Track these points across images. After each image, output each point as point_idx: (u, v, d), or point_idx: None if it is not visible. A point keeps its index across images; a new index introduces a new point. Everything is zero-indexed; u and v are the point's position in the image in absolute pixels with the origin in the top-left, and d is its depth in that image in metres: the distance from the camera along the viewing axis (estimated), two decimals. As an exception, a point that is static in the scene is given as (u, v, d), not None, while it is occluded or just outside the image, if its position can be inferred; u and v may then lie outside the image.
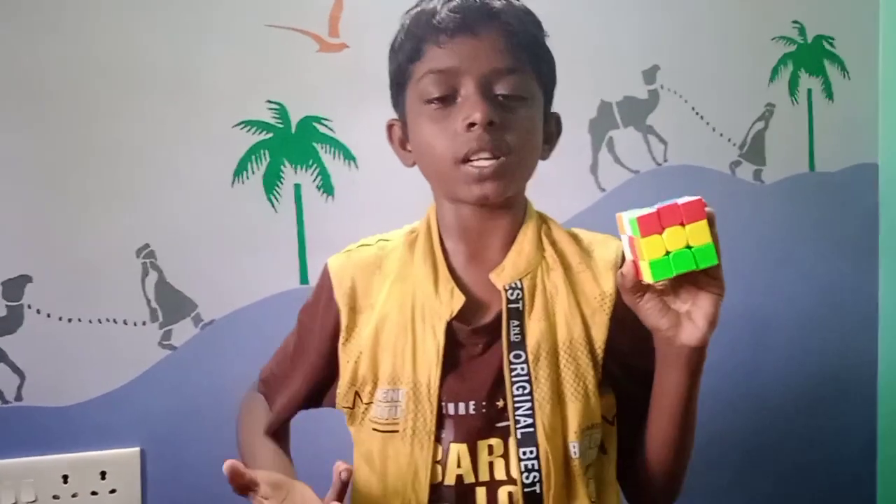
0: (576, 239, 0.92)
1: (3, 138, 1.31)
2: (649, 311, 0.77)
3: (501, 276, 0.87)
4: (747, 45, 1.64)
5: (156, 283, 1.36)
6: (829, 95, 1.69)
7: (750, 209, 1.65)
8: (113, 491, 1.35)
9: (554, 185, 1.53)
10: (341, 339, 0.89)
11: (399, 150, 0.92)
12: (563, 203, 1.53)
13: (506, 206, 0.88)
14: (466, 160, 0.82)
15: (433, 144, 0.83)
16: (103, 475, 1.34)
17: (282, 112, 1.40)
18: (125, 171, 1.35)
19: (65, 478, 1.33)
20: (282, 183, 1.41)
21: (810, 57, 1.68)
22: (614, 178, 1.57)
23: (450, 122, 0.82)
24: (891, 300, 1.70)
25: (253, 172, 1.40)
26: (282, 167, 1.41)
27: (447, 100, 0.83)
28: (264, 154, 1.40)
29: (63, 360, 1.33)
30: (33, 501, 1.32)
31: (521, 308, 0.85)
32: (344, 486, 0.78)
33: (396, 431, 0.86)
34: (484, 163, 0.81)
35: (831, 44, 1.69)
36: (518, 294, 0.85)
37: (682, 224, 0.73)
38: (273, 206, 1.41)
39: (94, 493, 1.34)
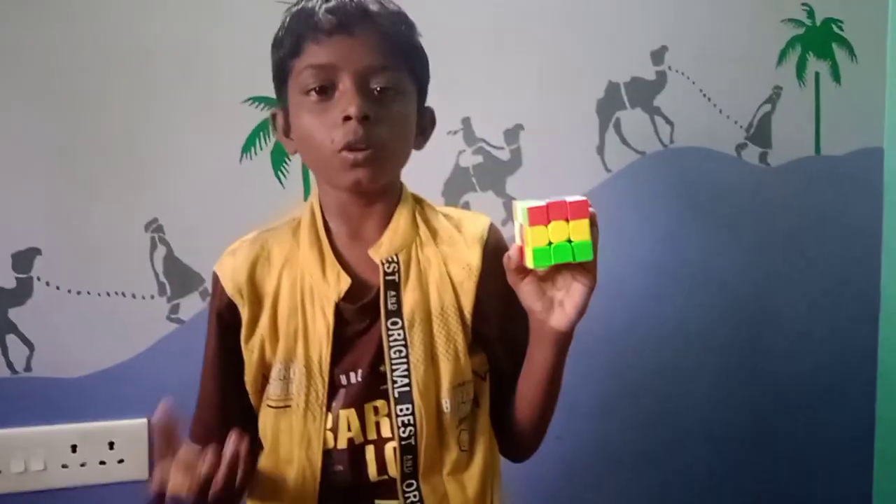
0: (447, 217, 1.01)
1: (14, 115, 1.32)
2: (527, 294, 0.86)
3: (379, 252, 0.95)
4: (755, 28, 1.63)
5: (164, 257, 1.38)
6: (837, 79, 1.69)
7: (755, 192, 1.65)
8: (121, 461, 1.37)
9: (560, 165, 1.54)
10: (243, 336, 0.95)
11: (283, 138, 0.99)
12: (569, 183, 1.54)
13: (381, 192, 0.96)
14: (344, 149, 0.88)
15: (313, 134, 0.90)
16: (111, 445, 1.36)
17: (290, 88, 1.41)
18: (134, 146, 1.36)
19: (73, 447, 1.35)
20: (290, 159, 1.42)
21: (819, 40, 1.67)
22: (621, 158, 1.57)
23: (328, 114, 0.89)
24: (893, 283, 1.71)
25: (261, 148, 1.41)
26: (289, 143, 1.42)
27: (325, 93, 0.89)
28: (272, 130, 1.41)
29: (72, 332, 1.35)
30: (43, 470, 1.34)
31: (397, 280, 0.94)
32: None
33: (289, 406, 0.93)
34: (358, 153, 0.88)
35: (840, 27, 1.68)
36: (394, 267, 0.94)
37: (567, 220, 0.81)
38: (280, 182, 1.42)
39: (102, 463, 1.36)
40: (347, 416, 0.92)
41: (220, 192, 1.39)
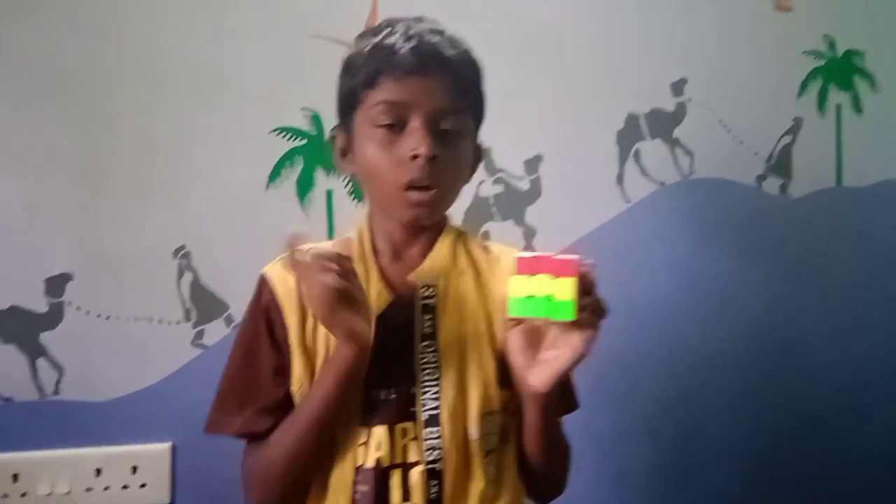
0: (486, 250, 1.04)
1: (48, 142, 1.36)
2: (512, 344, 0.88)
3: (419, 275, 0.97)
4: (776, 59, 1.65)
5: (191, 283, 1.40)
6: (858, 110, 1.70)
7: (776, 223, 1.65)
8: (143, 485, 1.38)
9: (580, 195, 1.56)
10: (294, 337, 0.95)
11: (339, 159, 1.01)
12: (589, 213, 1.56)
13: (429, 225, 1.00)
14: (408, 187, 0.92)
15: (379, 167, 0.93)
16: (135, 469, 1.38)
17: (316, 120, 1.44)
18: (165, 174, 1.40)
19: (98, 471, 1.37)
20: (314, 188, 1.45)
21: (840, 71, 1.68)
22: (640, 189, 1.59)
23: (396, 148, 0.92)
24: (917, 316, 1.70)
25: (287, 178, 1.44)
26: (314, 173, 1.45)
27: (395, 128, 0.92)
28: (298, 160, 1.44)
29: (100, 356, 1.38)
30: (67, 493, 1.36)
31: (433, 304, 0.96)
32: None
33: None
34: (423, 192, 0.92)
35: (861, 59, 1.69)
36: (432, 291, 0.96)
37: (554, 275, 0.81)
38: (305, 210, 1.44)
39: (125, 487, 1.38)
40: (379, 433, 0.92)
41: (246, 221, 1.42)
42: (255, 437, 0.97)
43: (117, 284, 1.38)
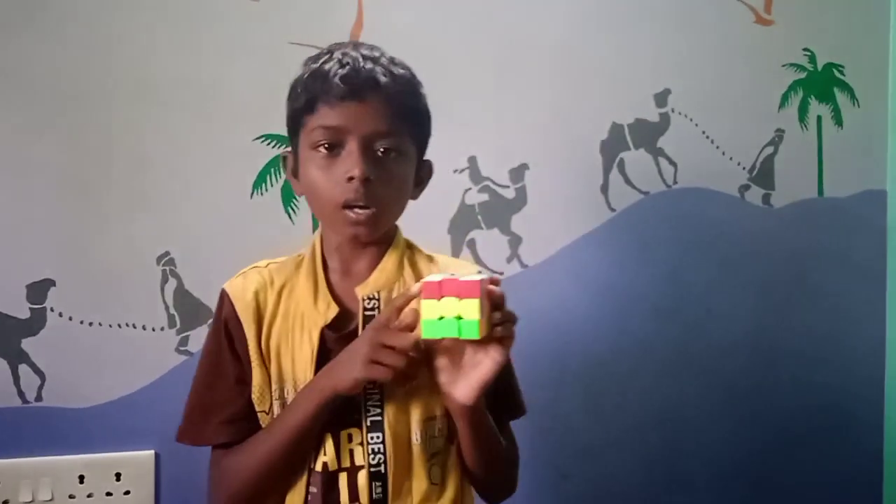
0: (433, 261, 1.08)
1: (31, 148, 1.36)
2: (436, 363, 0.93)
3: (364, 289, 1.01)
4: (758, 72, 1.67)
5: (174, 290, 1.40)
6: (839, 122, 1.72)
7: (758, 232, 1.67)
8: (127, 492, 1.38)
9: (565, 203, 1.57)
10: (251, 349, 1.00)
11: (291, 179, 1.06)
12: (573, 222, 1.57)
13: (375, 239, 1.03)
14: (346, 206, 0.96)
15: (319, 188, 0.98)
16: (118, 476, 1.38)
17: (301, 127, 1.44)
18: (148, 181, 1.40)
19: (81, 478, 1.36)
20: (299, 196, 1.45)
21: (820, 84, 1.70)
22: (624, 198, 1.60)
23: (334, 170, 0.96)
24: (897, 325, 1.72)
25: (272, 185, 1.44)
26: (300, 180, 1.45)
27: (333, 150, 0.97)
28: (283, 167, 1.44)
29: (83, 362, 1.37)
30: (50, 500, 1.35)
31: (375, 314, 0.99)
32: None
33: None
34: (360, 211, 0.96)
35: (841, 72, 1.72)
36: (375, 304, 1.00)
37: (459, 297, 0.85)
38: (290, 218, 1.45)
39: (108, 494, 1.37)
40: (324, 439, 0.97)
41: (230, 227, 1.42)
42: (223, 446, 1.02)
43: (100, 290, 1.38)
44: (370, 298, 1.00)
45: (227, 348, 1.02)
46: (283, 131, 1.41)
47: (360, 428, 0.97)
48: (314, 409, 0.94)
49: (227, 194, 1.43)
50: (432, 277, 0.88)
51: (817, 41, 1.70)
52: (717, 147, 1.65)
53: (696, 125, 1.64)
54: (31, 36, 1.36)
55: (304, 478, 0.97)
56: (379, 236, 1.02)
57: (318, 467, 0.97)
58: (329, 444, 0.97)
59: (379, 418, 0.97)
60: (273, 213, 1.44)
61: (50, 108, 1.37)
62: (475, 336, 0.85)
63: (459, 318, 0.85)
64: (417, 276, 1.03)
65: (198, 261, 1.41)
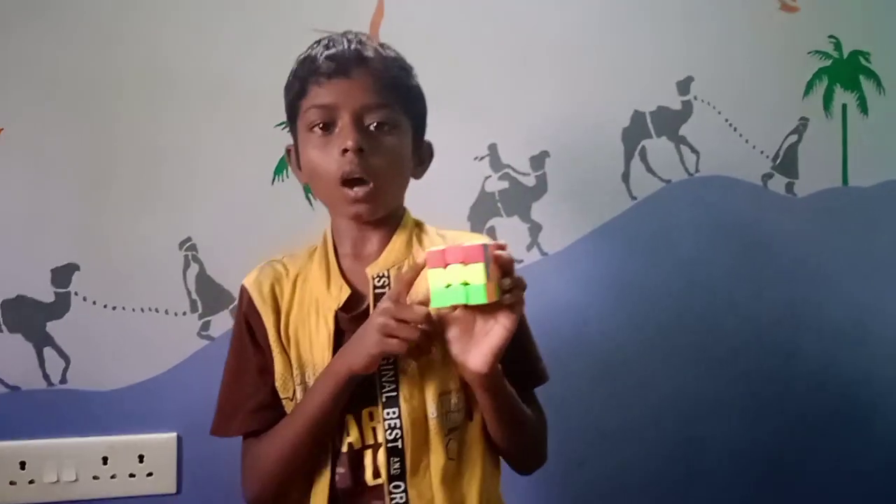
0: (443, 237, 1.08)
1: (56, 135, 1.38)
2: (449, 330, 0.94)
3: (374, 269, 1.03)
4: (782, 59, 1.65)
5: (196, 275, 1.42)
6: (864, 110, 1.70)
7: (781, 222, 1.65)
8: (150, 474, 1.40)
9: (585, 191, 1.56)
10: (271, 339, 1.03)
11: (296, 171, 1.10)
12: (594, 210, 1.56)
13: (382, 218, 1.05)
14: (345, 183, 0.98)
15: (318, 167, 1.01)
16: (141, 458, 1.39)
17: (322, 114, 1.45)
18: (171, 167, 1.41)
19: (104, 459, 1.38)
20: (304, 184, 1.45)
21: (846, 72, 1.68)
22: (646, 186, 1.59)
23: (330, 148, 0.99)
24: (921, 317, 1.70)
25: (292, 171, 1.44)
26: (320, 167, 1.45)
27: (328, 129, 1.00)
28: (287, 162, 1.44)
29: (106, 346, 1.39)
30: (74, 481, 1.37)
31: (385, 292, 0.99)
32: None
33: None
34: (358, 189, 0.98)
35: (867, 59, 1.69)
36: (385, 282, 1.02)
37: (464, 263, 0.85)
38: (310, 203, 1.45)
39: (131, 476, 1.39)
40: (348, 419, 0.99)
41: (251, 213, 1.43)
42: (252, 434, 1.05)
43: (124, 275, 1.39)
44: (380, 276, 1.02)
45: (249, 341, 1.04)
46: (305, 118, 1.44)
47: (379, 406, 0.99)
48: (332, 392, 0.95)
49: (249, 181, 1.43)
50: (437, 247, 0.89)
51: (843, 28, 1.68)
52: (741, 135, 1.63)
53: (719, 113, 1.62)
54: (55, 28, 1.37)
55: (331, 459, 0.99)
56: (385, 217, 1.05)
57: (344, 448, 0.99)
58: (352, 424, 0.99)
59: (394, 394, 0.98)
60: (293, 200, 1.45)
61: (72, 95, 1.38)
62: (483, 300, 0.85)
63: (466, 284, 0.85)
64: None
65: (219, 246, 1.42)
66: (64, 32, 1.38)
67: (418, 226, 1.10)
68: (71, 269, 1.38)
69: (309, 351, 1.01)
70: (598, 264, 1.56)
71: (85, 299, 1.38)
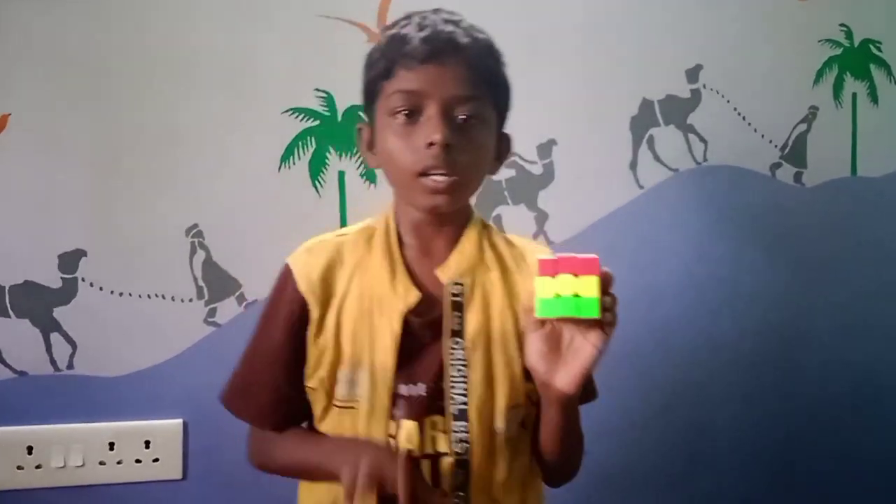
0: (510, 244, 1.05)
1: (64, 121, 1.37)
2: (532, 350, 0.88)
3: (446, 272, 0.98)
4: (792, 47, 1.64)
5: (203, 261, 1.41)
6: (875, 100, 1.69)
7: (789, 211, 1.65)
8: (156, 460, 1.40)
9: (593, 180, 1.56)
10: (313, 331, 0.98)
11: (366, 153, 1.03)
12: (601, 199, 1.56)
13: (453, 214, 1.00)
14: (424, 174, 0.92)
15: (397, 156, 0.94)
16: (147, 444, 1.40)
17: (329, 100, 1.45)
18: (178, 154, 1.41)
19: (111, 445, 1.39)
20: (326, 169, 1.45)
21: (856, 61, 1.67)
22: (654, 175, 1.58)
23: (413, 138, 0.93)
24: (929, 308, 1.69)
25: (299, 158, 1.44)
26: (327, 154, 1.45)
27: (412, 117, 0.93)
28: (311, 141, 1.44)
29: (113, 332, 1.39)
30: (81, 466, 1.38)
31: (461, 301, 0.97)
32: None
33: (354, 408, 0.96)
34: (438, 178, 0.92)
35: (878, 48, 1.68)
36: (460, 289, 0.97)
37: (576, 274, 0.83)
38: (317, 191, 1.45)
39: (137, 461, 1.40)
40: (409, 426, 0.95)
41: (258, 200, 1.43)
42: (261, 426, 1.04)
43: (130, 261, 1.39)
44: (455, 283, 0.97)
45: (284, 329, 0.99)
46: (311, 105, 1.44)
47: (444, 416, 0.95)
48: (322, 472, 0.95)
49: (256, 167, 1.43)
50: (545, 255, 0.86)
51: (854, 16, 1.67)
52: (749, 124, 1.62)
53: (728, 101, 1.61)
54: (62, 10, 1.37)
55: None
56: (454, 212, 0.99)
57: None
58: (415, 432, 0.95)
59: (465, 407, 0.95)
60: (300, 187, 1.44)
61: (81, 82, 1.38)
62: (595, 314, 0.82)
63: (577, 296, 0.83)
64: (498, 258, 1.01)
65: (226, 233, 1.42)
66: (72, 16, 1.37)
67: (485, 226, 1.05)
68: (78, 254, 1.38)
69: (367, 351, 0.96)
70: (606, 253, 1.54)
71: (92, 285, 1.39)
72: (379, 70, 0.96)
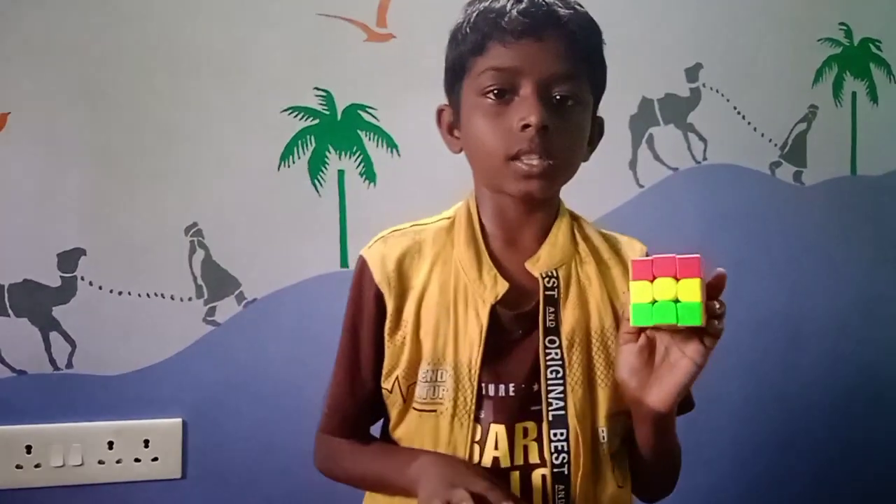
0: (605, 237, 0.97)
1: (62, 118, 1.37)
2: (625, 360, 0.81)
3: (537, 265, 0.90)
4: (792, 46, 1.64)
5: (202, 260, 1.41)
6: (874, 99, 1.68)
7: (789, 210, 1.65)
8: (155, 459, 1.40)
9: (592, 179, 1.53)
10: (388, 325, 0.89)
11: (446, 136, 0.94)
12: (601, 198, 1.56)
13: (543, 202, 0.91)
14: (517, 157, 0.84)
15: (486, 139, 0.86)
16: (146, 443, 1.40)
17: (328, 99, 1.44)
18: (177, 152, 1.40)
19: (110, 444, 1.38)
20: (326, 168, 1.45)
21: (856, 59, 1.67)
22: (653, 174, 1.58)
23: (504, 118, 0.84)
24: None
25: (299, 157, 1.44)
26: (326, 153, 1.45)
27: (504, 97, 0.85)
28: (310, 140, 1.44)
29: (112, 331, 1.39)
30: (80, 465, 1.37)
31: (556, 296, 0.88)
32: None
33: (435, 411, 0.87)
34: (534, 162, 0.83)
35: (878, 47, 1.68)
36: (554, 282, 0.88)
37: (676, 278, 0.75)
38: (317, 190, 1.45)
39: (137, 460, 1.39)
40: (497, 431, 0.86)
41: (258, 199, 1.43)
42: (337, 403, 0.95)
43: (129, 260, 1.39)
44: (549, 276, 0.88)
45: (369, 326, 0.91)
46: (311, 104, 1.44)
47: (539, 422, 0.86)
48: (392, 486, 0.88)
49: (255, 166, 1.43)
50: (640, 257, 0.79)
51: (854, 15, 1.67)
52: (749, 123, 1.62)
53: (728, 100, 1.61)
54: (60, 8, 1.36)
55: None
56: (542, 201, 0.90)
57: (487, 462, 0.86)
58: (503, 437, 0.86)
59: (563, 412, 0.85)
60: (300, 186, 1.44)
61: (79, 79, 1.37)
62: (697, 322, 0.73)
63: (677, 300, 0.74)
64: (592, 251, 0.93)
65: (225, 232, 1.42)
66: (70, 15, 1.37)
67: (576, 218, 0.96)
68: (77, 253, 1.38)
69: (451, 346, 0.87)
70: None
71: (91, 284, 1.38)
72: (469, 45, 0.87)
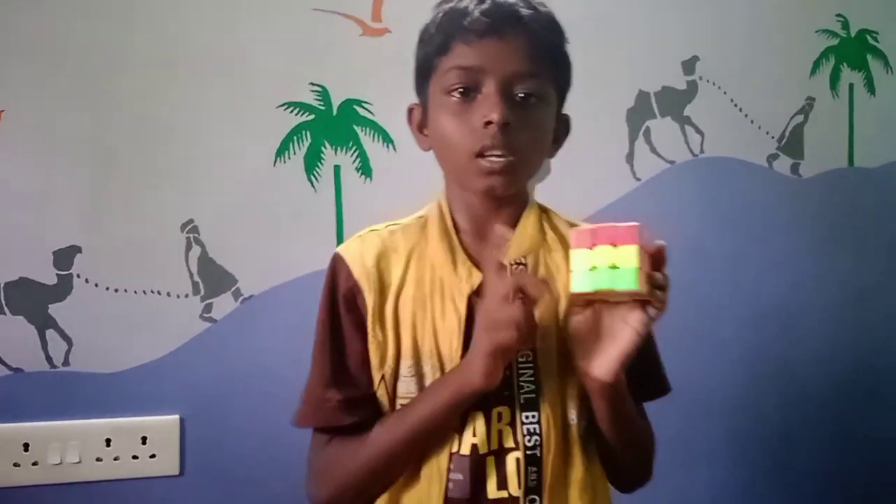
0: (573, 226, 0.97)
1: (58, 116, 1.36)
2: (574, 331, 0.84)
3: (507, 255, 0.89)
4: (789, 38, 1.63)
5: (198, 257, 1.41)
6: (871, 90, 1.68)
7: (786, 202, 1.64)
8: (153, 456, 1.40)
9: (589, 173, 1.55)
10: (370, 322, 0.90)
11: (417, 134, 0.97)
12: (598, 191, 1.55)
13: (510, 196, 0.93)
14: (481, 154, 0.86)
15: (451, 136, 0.88)
16: (144, 440, 1.39)
17: (324, 95, 1.44)
18: (173, 149, 1.40)
19: (108, 441, 1.38)
20: (322, 164, 1.45)
21: (853, 51, 1.67)
22: (650, 167, 1.58)
23: (469, 116, 0.87)
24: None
25: (294, 153, 1.43)
26: (322, 148, 1.45)
27: (468, 94, 0.87)
28: (306, 135, 1.44)
29: (109, 328, 1.39)
30: (77, 463, 1.37)
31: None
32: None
33: None
34: (495, 159, 0.86)
35: (875, 38, 1.68)
36: (522, 269, 0.91)
37: (614, 244, 0.76)
38: (313, 186, 1.44)
39: (134, 458, 1.39)
40: (474, 418, 0.87)
41: (253, 195, 1.42)
42: (338, 431, 0.92)
43: (126, 258, 1.39)
44: (517, 264, 0.90)
45: (350, 321, 0.91)
46: (307, 99, 1.43)
47: (510, 407, 0.88)
48: (446, 405, 0.84)
49: (251, 162, 1.42)
50: (583, 226, 0.81)
51: (851, 6, 1.66)
52: (746, 115, 1.62)
53: (725, 93, 1.61)
54: (56, 6, 1.36)
55: (445, 464, 0.87)
56: (511, 196, 0.92)
57: (466, 450, 0.87)
58: (480, 423, 0.87)
59: (534, 396, 0.87)
60: (296, 181, 1.44)
61: (75, 78, 1.37)
62: (634, 287, 0.75)
63: (614, 266, 0.76)
64: (559, 239, 0.94)
65: (221, 228, 1.42)
66: (66, 13, 1.36)
67: (544, 210, 0.98)
68: (73, 251, 1.37)
69: (430, 338, 0.89)
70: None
71: (87, 281, 1.38)
72: (434, 45, 0.90)
